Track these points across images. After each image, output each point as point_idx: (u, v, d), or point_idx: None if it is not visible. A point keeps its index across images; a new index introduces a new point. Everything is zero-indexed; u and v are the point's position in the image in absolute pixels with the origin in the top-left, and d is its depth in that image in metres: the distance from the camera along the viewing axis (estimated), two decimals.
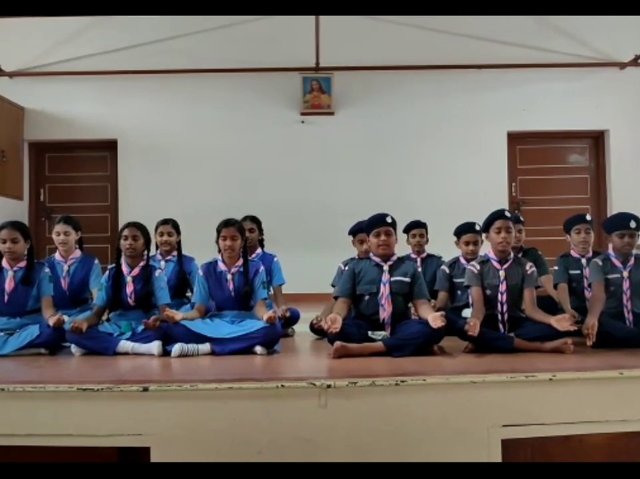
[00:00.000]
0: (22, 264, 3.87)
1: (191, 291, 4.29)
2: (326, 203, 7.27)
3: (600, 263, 3.83)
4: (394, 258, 3.74)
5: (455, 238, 4.50)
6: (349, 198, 7.14)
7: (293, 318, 4.37)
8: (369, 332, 3.52)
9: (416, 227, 4.86)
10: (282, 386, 2.67)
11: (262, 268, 3.97)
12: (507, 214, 3.71)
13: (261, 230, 4.74)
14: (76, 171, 7.72)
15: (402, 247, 4.52)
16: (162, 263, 4.53)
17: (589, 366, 2.95)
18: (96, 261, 4.49)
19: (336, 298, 3.79)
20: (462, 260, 4.38)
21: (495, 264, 3.69)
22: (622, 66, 7.43)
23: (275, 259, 4.66)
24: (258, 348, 3.50)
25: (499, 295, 3.64)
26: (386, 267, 3.68)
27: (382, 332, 3.54)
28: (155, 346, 3.50)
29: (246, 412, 2.67)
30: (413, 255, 4.83)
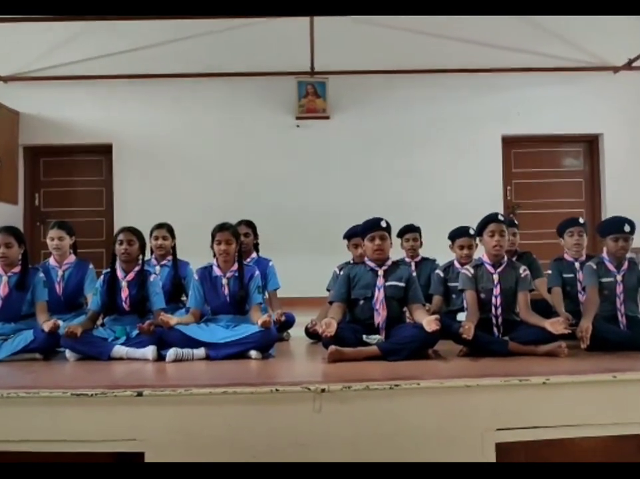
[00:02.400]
0: (17, 269, 3.86)
1: (186, 296, 4.29)
2: (322, 207, 7.28)
3: (594, 266, 3.85)
4: (389, 263, 3.74)
5: (449, 242, 4.51)
6: (344, 202, 7.15)
7: (288, 322, 4.37)
8: (364, 337, 3.52)
9: (410, 232, 4.86)
10: (276, 390, 2.67)
11: (257, 272, 3.97)
12: (501, 217, 3.72)
13: (256, 234, 4.73)
14: (71, 176, 7.73)
15: (397, 251, 4.52)
16: (157, 267, 4.53)
17: (582, 370, 2.96)
18: (91, 266, 4.47)
19: (331, 303, 3.80)
20: (457, 264, 4.37)
21: (489, 268, 3.70)
22: (616, 70, 7.47)
23: (270, 264, 4.66)
24: (253, 353, 3.50)
25: (494, 299, 3.64)
26: (380, 272, 3.68)
27: (377, 337, 3.54)
28: (150, 351, 3.49)
29: (241, 417, 2.67)
30: (407, 259, 4.84)
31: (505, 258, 3.75)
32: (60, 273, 4.35)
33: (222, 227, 3.88)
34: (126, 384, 2.78)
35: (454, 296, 4.32)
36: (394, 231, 3.98)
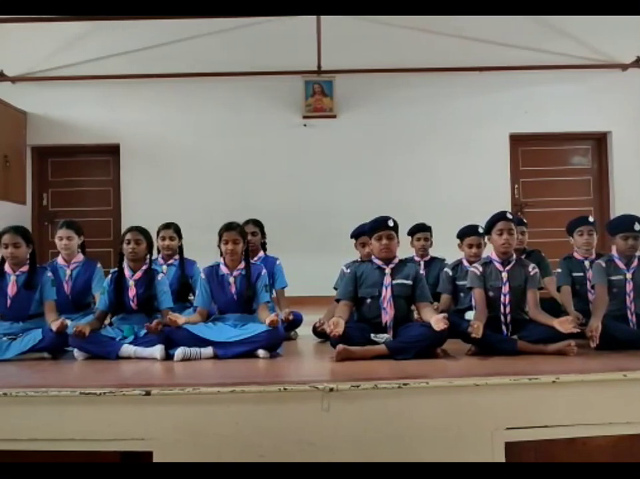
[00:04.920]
0: (25, 269, 3.87)
1: (194, 295, 4.29)
2: (329, 206, 7.26)
3: (603, 264, 3.82)
4: (396, 261, 3.73)
5: (458, 240, 4.49)
6: (351, 201, 7.13)
7: (296, 321, 4.36)
8: (372, 335, 3.51)
9: (421, 231, 4.87)
10: (284, 389, 2.67)
11: (264, 271, 3.97)
12: (509, 216, 3.71)
13: (263, 233, 4.73)
14: (79, 176, 7.74)
15: (406, 249, 4.51)
16: (164, 267, 4.53)
17: (592, 368, 2.94)
18: (99, 265, 4.49)
19: (338, 301, 3.79)
20: (465, 262, 4.36)
21: (498, 266, 3.68)
22: (624, 67, 7.42)
23: (278, 262, 4.66)
24: (261, 352, 3.50)
25: (502, 297, 3.62)
26: (388, 270, 3.67)
27: (385, 335, 3.53)
28: (157, 350, 3.49)
29: (249, 416, 2.66)
30: (417, 258, 4.83)
31: (514, 256, 3.73)
32: (68, 272, 4.37)
33: (229, 227, 3.88)
34: (134, 383, 2.78)
35: (462, 295, 4.31)
36: (402, 229, 3.96)
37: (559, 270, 4.29)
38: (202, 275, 3.95)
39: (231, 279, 3.88)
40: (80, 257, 4.44)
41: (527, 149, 7.73)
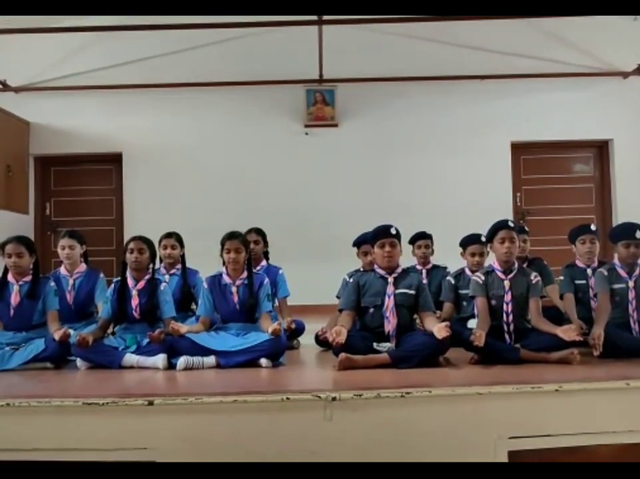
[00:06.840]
0: (28, 278, 3.88)
1: (196, 304, 4.29)
2: (331, 214, 7.27)
3: (605, 273, 3.82)
4: (399, 270, 3.73)
5: (461, 249, 4.49)
6: (353, 209, 7.14)
7: (298, 330, 4.36)
8: (374, 344, 3.51)
9: (422, 239, 4.87)
10: (287, 398, 2.67)
11: (267, 280, 3.97)
12: (511, 224, 3.71)
13: (266, 242, 4.73)
14: (82, 185, 7.76)
15: (407, 258, 4.52)
16: (166, 276, 4.52)
17: (595, 377, 2.93)
18: (101, 275, 4.49)
19: (341, 310, 3.79)
20: (468, 271, 4.36)
21: (500, 274, 3.68)
22: (625, 75, 7.44)
23: (280, 272, 4.67)
24: (263, 361, 3.49)
25: (505, 305, 3.62)
26: (390, 279, 3.67)
27: (388, 344, 3.53)
28: (160, 359, 3.49)
29: (251, 425, 2.67)
30: (418, 266, 4.84)
31: (516, 264, 3.73)
32: (70, 282, 4.37)
33: (231, 236, 3.88)
34: (137, 392, 2.78)
35: (464, 303, 4.31)
36: (404, 237, 3.97)
37: (562, 278, 4.28)
38: (205, 285, 3.96)
39: (234, 289, 3.88)
40: (82, 266, 4.44)
41: (529, 157, 7.74)
